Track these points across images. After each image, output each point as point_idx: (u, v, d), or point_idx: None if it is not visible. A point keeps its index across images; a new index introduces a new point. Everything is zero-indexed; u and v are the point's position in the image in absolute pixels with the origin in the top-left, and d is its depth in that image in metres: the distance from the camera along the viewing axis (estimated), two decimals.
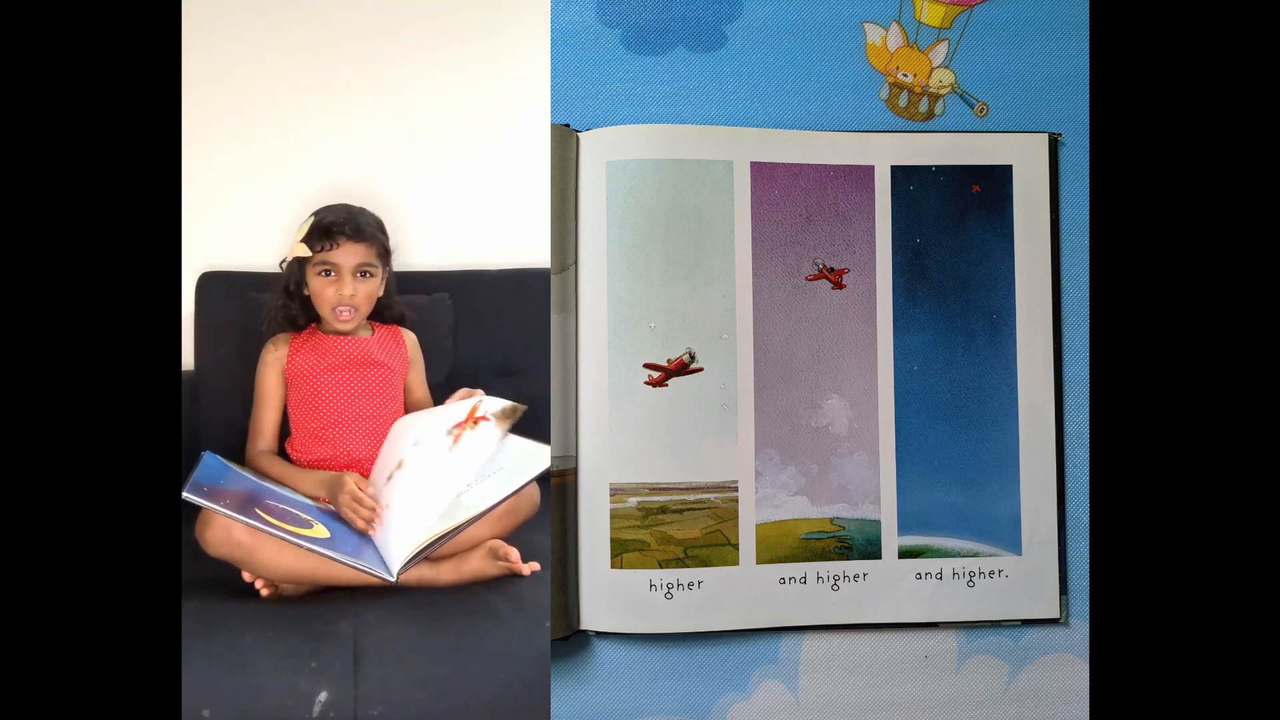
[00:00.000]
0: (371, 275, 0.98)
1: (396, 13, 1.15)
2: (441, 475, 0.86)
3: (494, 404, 0.89)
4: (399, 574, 0.82)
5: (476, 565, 0.87)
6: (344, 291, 0.96)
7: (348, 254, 0.96)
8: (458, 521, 0.83)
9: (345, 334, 0.99)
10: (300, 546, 0.81)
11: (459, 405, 0.91)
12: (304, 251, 0.96)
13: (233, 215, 1.13)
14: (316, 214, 0.98)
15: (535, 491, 0.91)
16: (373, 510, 0.86)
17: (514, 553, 0.87)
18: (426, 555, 0.83)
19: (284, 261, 1.00)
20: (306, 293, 0.99)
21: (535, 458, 0.87)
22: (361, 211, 0.99)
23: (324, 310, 0.98)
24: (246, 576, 0.85)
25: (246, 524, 0.81)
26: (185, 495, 0.80)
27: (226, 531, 0.82)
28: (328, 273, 0.96)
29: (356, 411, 0.97)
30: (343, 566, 0.83)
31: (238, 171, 1.13)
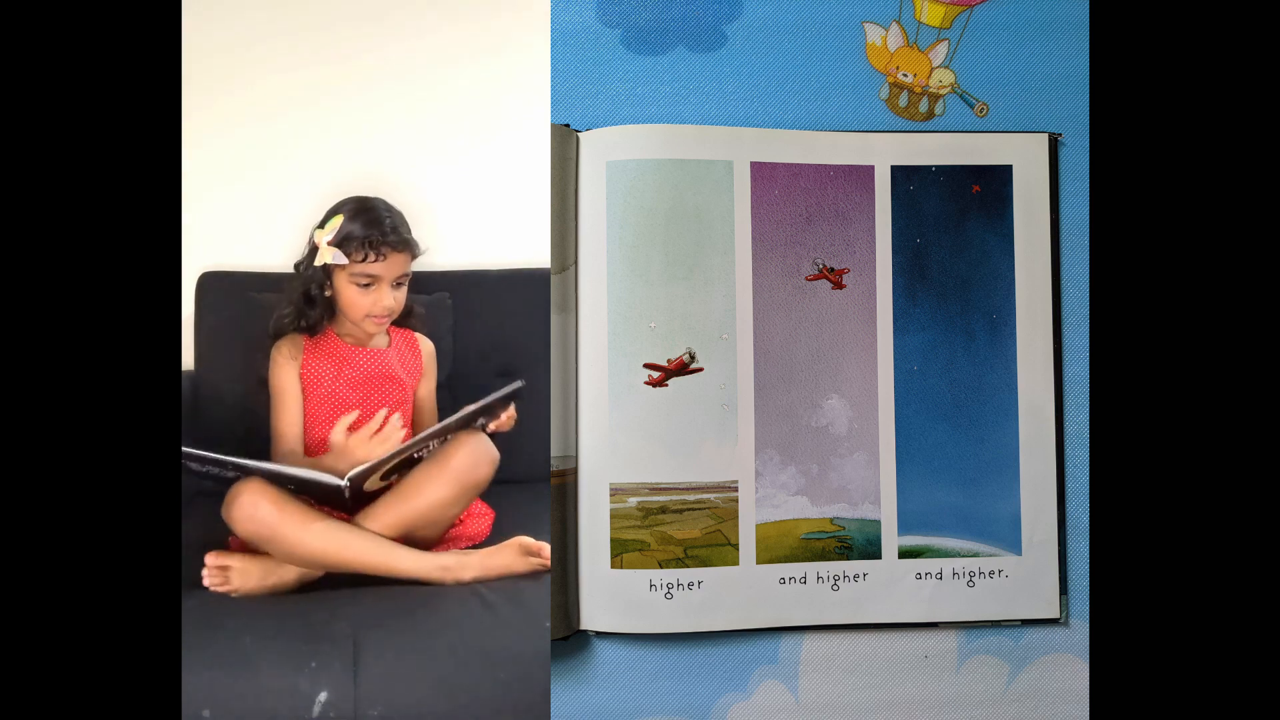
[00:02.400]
0: (405, 283, 0.95)
1: (396, 13, 1.15)
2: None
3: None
4: (349, 479, 0.83)
5: (506, 560, 0.87)
6: (384, 303, 0.93)
7: (392, 266, 0.92)
8: (412, 440, 0.86)
9: (366, 335, 0.96)
10: (249, 466, 0.83)
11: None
12: (336, 258, 0.91)
13: (233, 215, 1.13)
14: (343, 212, 0.93)
15: (492, 451, 0.90)
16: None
17: (545, 549, 0.87)
18: (379, 470, 0.85)
19: (302, 265, 0.95)
20: (329, 294, 0.94)
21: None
22: (390, 209, 0.94)
23: (354, 317, 0.94)
24: (211, 574, 0.85)
25: (219, 459, 0.82)
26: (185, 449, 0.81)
27: (253, 508, 0.82)
28: (367, 284, 0.92)
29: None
30: (362, 550, 0.84)
31: (238, 171, 1.13)
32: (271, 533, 0.83)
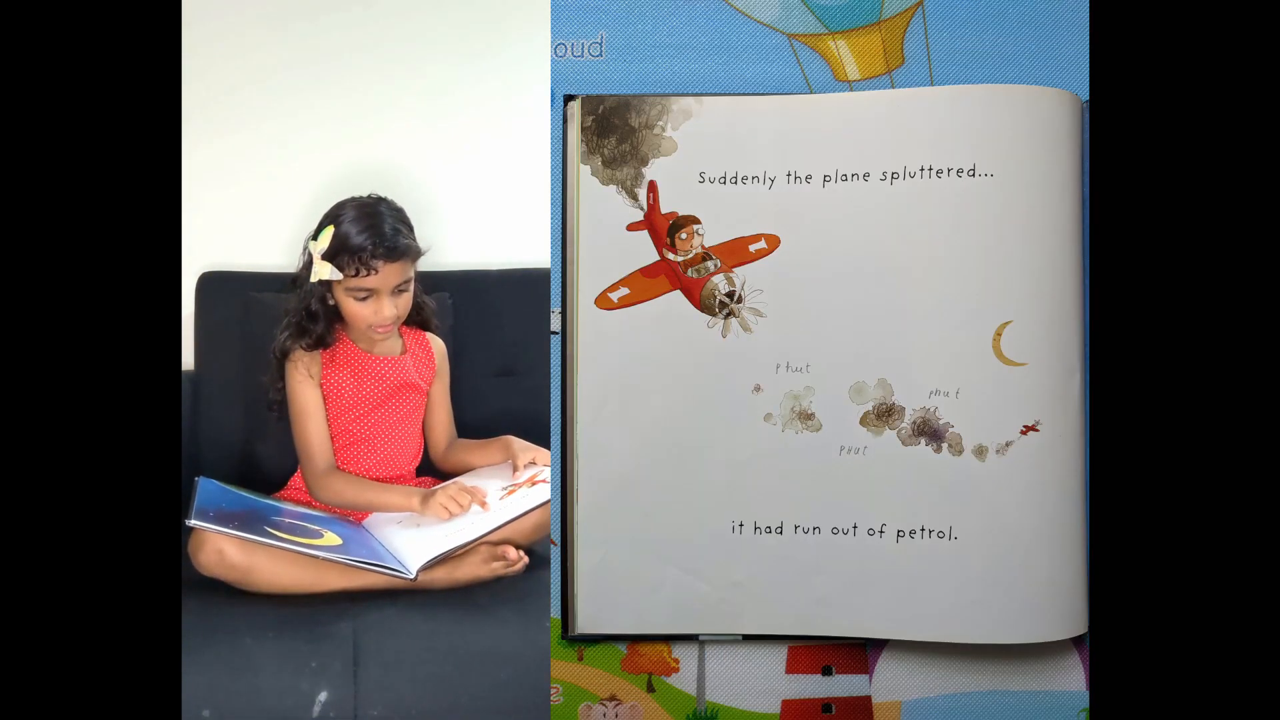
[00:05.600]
0: (408, 288, 0.93)
1: (397, 12, 1.15)
2: (485, 515, 0.88)
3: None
4: (418, 572, 0.82)
5: (470, 570, 0.87)
6: (384, 313, 0.91)
7: (388, 276, 0.90)
8: (481, 531, 0.85)
9: (379, 342, 0.96)
10: (317, 558, 0.81)
11: (521, 472, 0.92)
12: (331, 274, 0.90)
13: (233, 215, 1.13)
14: (334, 222, 0.91)
15: (546, 525, 0.90)
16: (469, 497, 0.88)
17: (511, 551, 0.86)
18: (444, 559, 0.84)
19: (300, 279, 0.93)
20: (331, 303, 0.93)
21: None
22: (390, 210, 0.92)
23: (359, 327, 0.93)
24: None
25: (262, 544, 0.81)
26: (193, 522, 0.80)
27: (219, 554, 0.82)
28: (365, 297, 0.91)
29: (384, 434, 0.96)
30: (342, 577, 0.83)
31: (238, 170, 1.13)
32: (242, 575, 0.83)
